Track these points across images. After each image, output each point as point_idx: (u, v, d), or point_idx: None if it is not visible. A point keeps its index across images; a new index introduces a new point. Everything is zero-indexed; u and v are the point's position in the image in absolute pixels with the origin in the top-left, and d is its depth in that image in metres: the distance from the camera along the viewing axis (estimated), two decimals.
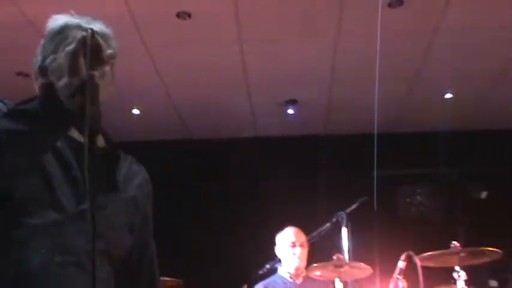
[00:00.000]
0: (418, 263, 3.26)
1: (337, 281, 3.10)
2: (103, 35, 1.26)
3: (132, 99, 4.94)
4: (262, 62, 4.48)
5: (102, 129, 1.36)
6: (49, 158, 1.23)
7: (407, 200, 5.01)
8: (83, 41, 1.18)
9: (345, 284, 3.53)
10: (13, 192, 1.19)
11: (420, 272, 3.29)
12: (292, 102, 5.04)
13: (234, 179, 5.57)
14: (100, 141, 1.32)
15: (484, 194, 4.87)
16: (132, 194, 1.36)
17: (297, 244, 3.79)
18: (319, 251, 3.79)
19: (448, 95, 4.94)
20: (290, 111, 5.15)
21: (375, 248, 4.49)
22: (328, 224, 4.20)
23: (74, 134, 1.29)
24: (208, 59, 4.42)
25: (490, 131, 5.26)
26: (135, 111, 5.28)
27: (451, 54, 4.34)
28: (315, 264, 3.36)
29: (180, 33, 4.09)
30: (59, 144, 1.25)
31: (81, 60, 1.18)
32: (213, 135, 5.66)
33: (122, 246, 1.34)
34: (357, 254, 4.07)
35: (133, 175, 1.39)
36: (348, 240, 4.13)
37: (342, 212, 4.18)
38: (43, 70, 1.30)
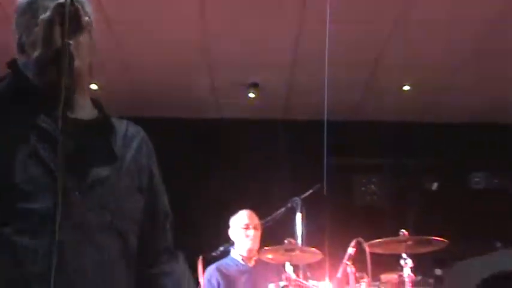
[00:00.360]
0: (367, 249, 3.34)
1: (287, 264, 3.14)
2: (79, 1, 1.22)
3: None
4: (225, 43, 4.46)
5: (95, 100, 1.33)
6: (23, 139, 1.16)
7: (362, 188, 5.10)
8: (59, 8, 1.13)
9: (296, 267, 3.59)
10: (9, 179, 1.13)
11: (369, 258, 3.37)
12: (254, 85, 5.04)
13: (191, 160, 5.55)
14: (88, 113, 1.29)
15: (435, 186, 5.00)
16: (132, 157, 1.33)
17: (250, 227, 3.82)
18: (274, 235, 3.83)
19: (406, 87, 5.03)
20: (251, 94, 5.15)
21: (327, 234, 4.57)
22: (283, 209, 4.26)
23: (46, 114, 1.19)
24: (169, 36, 4.36)
25: (446, 124, 5.39)
26: (93, 87, 5.16)
27: (410, 46, 4.42)
28: (266, 248, 3.40)
29: (141, 9, 4.02)
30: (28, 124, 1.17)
31: (57, 29, 1.13)
32: (173, 114, 5.60)
33: (134, 213, 1.31)
34: (310, 239, 4.14)
35: (131, 138, 1.37)
36: (302, 226, 4.20)
37: (297, 198, 4.24)
38: (21, 48, 1.26)
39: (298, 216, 4.22)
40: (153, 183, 1.40)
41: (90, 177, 1.21)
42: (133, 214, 1.31)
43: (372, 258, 3.73)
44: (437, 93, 5.10)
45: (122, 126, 1.37)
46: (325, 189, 3.82)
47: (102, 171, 1.22)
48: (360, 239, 3.42)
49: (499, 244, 3.78)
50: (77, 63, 1.17)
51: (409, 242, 3.63)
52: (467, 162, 5.15)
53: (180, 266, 1.44)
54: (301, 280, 3.12)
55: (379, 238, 3.67)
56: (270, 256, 3.39)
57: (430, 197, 5.06)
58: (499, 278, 1.25)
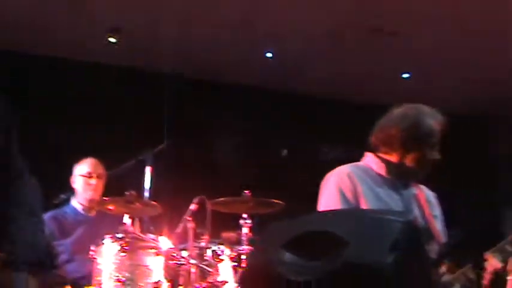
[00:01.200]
0: (209, 207, 3.42)
1: (125, 217, 3.10)
2: None
3: None
4: None
5: None
6: None
7: (214, 147, 5.18)
8: None
9: (139, 220, 3.58)
10: None
11: (209, 215, 3.46)
12: (116, 30, 4.81)
13: (39, 103, 5.20)
14: None
15: (285, 152, 5.24)
16: None
17: (93, 175, 3.71)
18: (122, 187, 3.76)
19: (269, 54, 5.15)
20: (112, 39, 4.91)
21: (174, 189, 4.61)
22: (133, 161, 4.20)
23: None
24: None
25: (303, 95, 5.63)
26: None
27: (275, 13, 4.50)
28: (105, 198, 3.33)
29: None
30: None
31: None
32: (35, 51, 5.17)
33: None
34: (157, 193, 4.14)
35: None
36: (150, 179, 4.18)
37: (148, 151, 4.20)
38: None
39: (148, 170, 4.20)
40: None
41: None
42: None
43: (214, 217, 3.85)
44: (299, 63, 5.28)
45: None
46: (165, 145, 3.80)
47: None
48: (203, 197, 3.48)
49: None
50: None
51: (251, 203, 3.80)
52: (318, 133, 5.47)
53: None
54: (138, 233, 3.10)
55: (224, 197, 3.79)
56: (110, 207, 3.31)
57: (279, 162, 5.31)
58: (305, 238, 1.34)
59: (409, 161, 2.40)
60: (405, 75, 5.34)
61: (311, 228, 1.41)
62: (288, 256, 1.33)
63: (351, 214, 1.52)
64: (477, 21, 4.53)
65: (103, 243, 2.97)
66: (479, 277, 2.03)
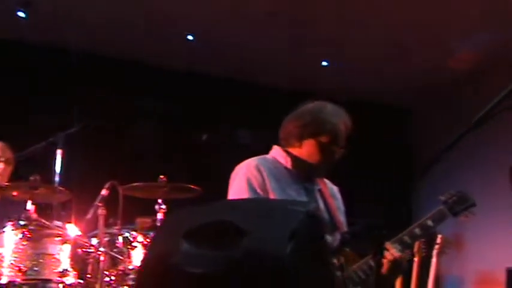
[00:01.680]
0: (121, 192, 3.31)
1: (28, 203, 2.93)
2: None
3: None
4: None
5: None
6: None
7: (132, 131, 5.03)
8: None
9: (49, 207, 3.41)
10: None
11: (121, 201, 3.35)
12: (25, 4, 4.50)
13: None
14: None
15: (204, 137, 5.18)
16: None
17: (0, 160, 3.50)
18: (30, 170, 3.55)
19: (190, 37, 5.04)
20: (21, 13, 4.60)
21: (87, 174, 4.43)
22: (43, 143, 3.98)
23: None
24: None
25: (221, 79, 5.57)
26: None
27: None
28: (7, 183, 3.13)
29: None
30: None
31: None
32: None
33: None
34: (69, 178, 3.96)
35: None
36: (61, 163, 3.98)
37: (60, 133, 4.00)
38: None
39: (59, 153, 4.00)
40: None
41: None
42: None
43: (129, 202, 3.74)
44: (220, 46, 5.21)
45: None
46: (76, 127, 3.65)
47: None
48: (114, 182, 3.36)
49: None
50: None
51: (166, 188, 3.72)
52: (238, 117, 5.44)
53: None
54: (42, 220, 2.94)
55: (138, 181, 3.69)
56: (14, 193, 3.12)
57: (198, 147, 5.24)
58: (205, 227, 1.30)
59: (308, 156, 2.44)
60: (324, 63, 5.41)
61: (212, 217, 1.36)
62: (186, 246, 1.28)
63: (252, 203, 1.49)
64: (396, 13, 4.65)
65: (3, 231, 2.79)
66: (379, 265, 2.11)
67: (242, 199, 1.76)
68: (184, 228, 1.35)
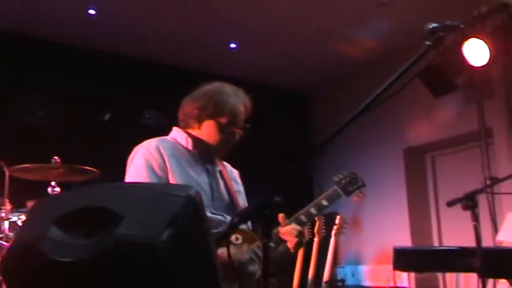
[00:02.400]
0: (7, 173, 3.12)
1: None
2: None
3: None
4: None
5: None
6: None
7: (29, 109, 4.72)
8: None
9: None
10: None
11: (7, 183, 3.16)
12: None
13: None
14: None
15: (107, 117, 4.99)
16: None
17: None
18: None
19: (92, 11, 4.80)
20: None
21: None
22: None
23: None
24: None
25: (126, 58, 5.37)
26: None
27: None
28: None
29: None
30: None
31: None
32: None
33: None
34: None
35: None
36: None
37: None
38: None
39: None
40: None
41: None
42: None
43: (20, 185, 3.53)
44: (124, 24, 5.01)
45: None
46: None
47: None
48: (1, 162, 3.16)
49: None
50: None
51: (61, 170, 3.56)
52: (140, 98, 5.29)
53: None
54: None
55: (30, 163, 3.49)
56: None
57: (99, 127, 5.03)
58: (78, 213, 1.23)
59: (208, 137, 2.43)
60: (232, 45, 5.39)
61: (86, 203, 1.29)
62: (56, 233, 1.21)
63: (131, 188, 1.44)
64: (297, 1, 4.70)
65: None
66: (266, 247, 2.15)
67: (118, 184, 1.70)
68: (56, 214, 1.27)
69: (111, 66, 5.29)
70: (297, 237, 2.28)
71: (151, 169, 2.30)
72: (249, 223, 2.36)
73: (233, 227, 1.79)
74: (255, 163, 4.50)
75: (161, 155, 2.32)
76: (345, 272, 5.73)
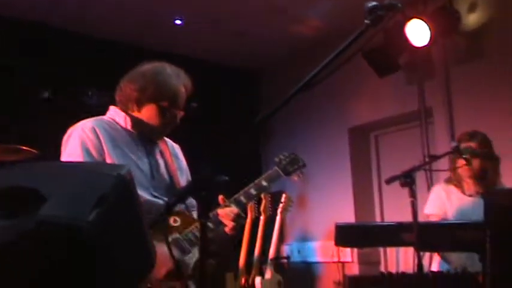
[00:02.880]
0: None
1: None
2: None
3: None
4: None
5: None
6: None
7: None
8: None
9: None
10: None
11: None
12: None
13: None
14: None
15: (45, 94, 4.81)
16: None
17: None
18: None
19: None
20: None
21: None
22: None
23: None
24: None
25: (67, 33, 5.17)
26: None
27: None
28: None
29: None
30: None
31: None
32: None
33: None
34: None
35: None
36: None
37: None
38: None
39: None
40: None
41: None
42: None
43: None
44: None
45: None
46: None
47: None
48: None
49: None
50: None
51: None
52: (81, 76, 5.12)
53: None
54: None
55: None
56: None
57: (37, 105, 4.85)
58: (2, 193, 1.18)
59: (149, 119, 2.38)
60: (178, 22, 5.28)
61: (12, 182, 1.24)
62: None
63: (60, 168, 1.39)
64: None
65: None
66: (204, 227, 2.17)
67: (50, 162, 1.64)
68: None
69: (52, 42, 5.09)
70: (233, 220, 2.29)
71: (86, 151, 2.23)
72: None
73: (169, 208, 1.77)
74: (203, 142, 4.45)
75: (97, 136, 2.26)
76: (291, 249, 5.83)
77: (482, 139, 3.42)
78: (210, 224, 2.25)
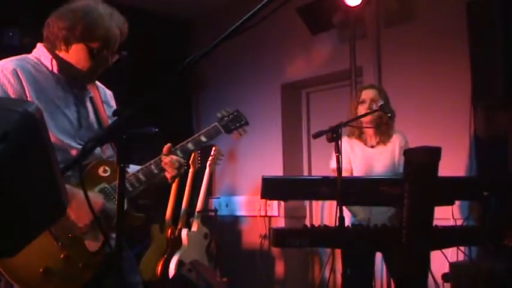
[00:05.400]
0: None
1: None
2: None
3: None
4: None
5: None
6: None
7: None
8: None
9: None
10: None
11: None
12: None
13: None
14: None
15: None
16: None
17: None
18: None
19: None
20: None
21: None
22: None
23: None
24: None
25: None
26: None
27: None
28: None
29: None
30: None
31: None
32: None
33: None
34: None
35: None
36: None
37: None
38: None
39: None
40: None
41: None
42: None
43: None
44: None
45: None
46: None
47: None
48: None
49: None
50: None
51: None
52: (2, 16, 4.77)
53: None
54: None
55: None
56: None
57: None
58: None
59: (77, 62, 2.22)
60: None
61: None
62: None
63: None
64: None
65: None
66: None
67: None
68: None
69: None
70: (177, 169, 2.25)
71: (5, 95, 2.07)
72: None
73: (85, 152, 1.68)
74: (133, 91, 4.30)
75: (19, 80, 2.09)
76: (219, 202, 5.86)
77: (382, 91, 3.87)
78: (153, 168, 2.25)
